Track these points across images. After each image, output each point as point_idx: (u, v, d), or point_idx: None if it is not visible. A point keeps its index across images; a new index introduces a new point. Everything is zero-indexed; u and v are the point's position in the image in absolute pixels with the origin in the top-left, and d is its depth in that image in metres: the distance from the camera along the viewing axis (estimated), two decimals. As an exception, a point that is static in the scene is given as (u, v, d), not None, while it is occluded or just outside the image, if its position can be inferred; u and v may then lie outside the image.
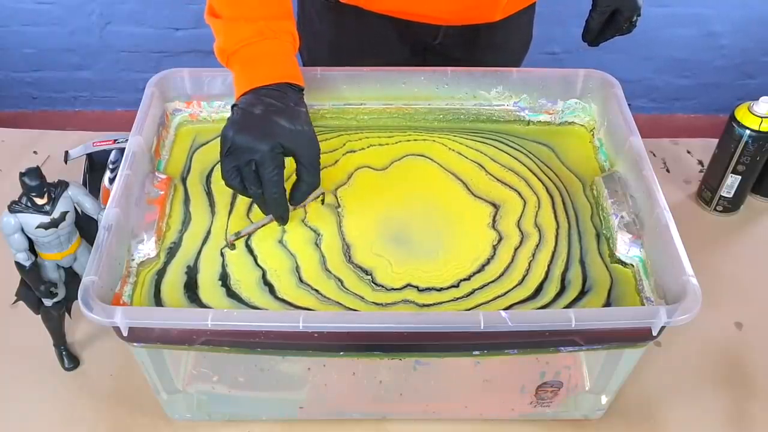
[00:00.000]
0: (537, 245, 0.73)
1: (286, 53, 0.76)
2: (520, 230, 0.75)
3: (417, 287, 0.69)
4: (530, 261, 0.72)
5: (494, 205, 0.77)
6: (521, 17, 1.02)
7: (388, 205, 0.77)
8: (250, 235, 0.73)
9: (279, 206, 0.71)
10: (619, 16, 0.89)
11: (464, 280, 0.70)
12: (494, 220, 0.76)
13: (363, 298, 0.68)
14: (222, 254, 0.71)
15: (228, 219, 0.75)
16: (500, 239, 0.74)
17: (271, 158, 0.68)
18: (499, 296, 0.68)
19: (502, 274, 0.70)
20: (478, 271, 0.71)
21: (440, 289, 0.69)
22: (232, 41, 0.75)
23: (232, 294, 0.68)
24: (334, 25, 1.01)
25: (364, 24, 0.98)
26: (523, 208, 0.77)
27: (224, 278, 0.69)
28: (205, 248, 0.72)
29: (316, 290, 0.68)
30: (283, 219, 0.73)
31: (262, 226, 0.73)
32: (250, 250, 0.72)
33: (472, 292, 0.69)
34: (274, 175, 0.69)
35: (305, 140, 0.71)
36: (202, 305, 0.67)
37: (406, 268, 0.71)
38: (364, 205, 0.77)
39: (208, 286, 0.68)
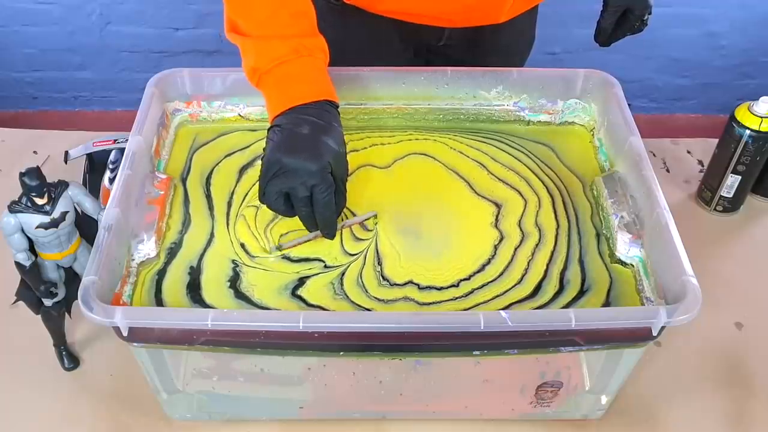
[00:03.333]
0: (537, 245, 0.73)
1: (321, 70, 0.74)
2: (521, 230, 0.75)
3: (418, 285, 0.69)
4: (529, 260, 0.72)
5: (497, 204, 0.77)
6: (525, 18, 1.02)
7: (393, 202, 0.77)
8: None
9: (331, 225, 0.71)
10: (631, 15, 0.89)
11: (464, 279, 0.70)
12: (497, 220, 0.76)
13: (367, 291, 0.69)
14: (234, 262, 0.71)
15: (228, 222, 0.74)
16: (501, 239, 0.74)
17: (323, 179, 0.67)
18: (497, 296, 0.68)
19: (501, 274, 0.70)
20: (479, 271, 0.71)
21: (440, 288, 0.69)
22: (266, 60, 0.73)
23: (241, 296, 0.68)
24: (338, 26, 1.01)
25: (368, 26, 0.98)
26: (524, 208, 0.77)
27: (233, 280, 0.69)
28: (209, 250, 0.72)
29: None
30: (332, 235, 0.72)
31: (307, 241, 0.72)
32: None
33: (471, 292, 0.69)
34: (327, 195, 0.68)
35: (344, 161, 0.71)
36: (205, 306, 0.67)
37: (411, 264, 0.71)
38: (370, 201, 0.77)
39: (212, 287, 0.68)
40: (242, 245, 0.72)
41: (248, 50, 0.75)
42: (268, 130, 0.71)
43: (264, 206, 0.72)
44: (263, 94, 0.75)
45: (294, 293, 0.68)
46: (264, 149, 0.70)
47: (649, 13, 0.90)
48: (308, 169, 0.67)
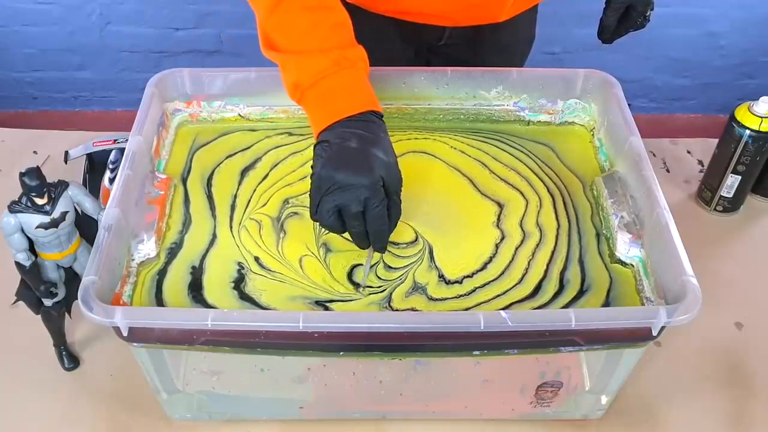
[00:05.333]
0: (537, 244, 0.73)
1: (363, 80, 0.73)
2: (522, 229, 0.75)
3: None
4: (530, 260, 0.72)
5: (499, 204, 0.77)
6: (525, 17, 1.02)
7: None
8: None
9: (384, 239, 0.69)
10: (633, 11, 0.89)
11: (468, 276, 0.70)
12: (499, 219, 0.76)
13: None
14: (240, 265, 0.70)
15: (231, 225, 0.74)
16: (503, 238, 0.74)
17: (376, 192, 0.66)
18: (498, 295, 0.68)
19: (502, 273, 0.70)
20: (481, 269, 0.71)
21: (448, 282, 0.69)
22: (308, 75, 0.71)
23: (245, 297, 0.68)
24: None
25: (369, 26, 0.97)
26: (526, 208, 0.77)
27: (238, 282, 0.69)
28: (212, 251, 0.72)
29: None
30: (384, 249, 0.71)
31: (373, 264, 0.71)
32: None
33: (473, 290, 0.69)
34: (380, 209, 0.67)
35: (396, 171, 0.69)
36: (207, 305, 0.67)
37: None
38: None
39: (215, 287, 0.68)
40: (256, 258, 0.71)
41: (289, 66, 0.73)
42: (315, 146, 0.70)
43: (259, 219, 0.72)
44: (305, 110, 0.73)
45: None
46: (312, 166, 0.69)
47: (651, 9, 0.90)
48: (361, 183, 0.66)
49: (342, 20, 0.74)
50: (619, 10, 0.90)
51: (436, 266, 0.71)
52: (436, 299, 0.68)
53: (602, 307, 0.67)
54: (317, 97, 0.71)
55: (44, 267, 0.72)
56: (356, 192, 0.66)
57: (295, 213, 0.76)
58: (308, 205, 0.72)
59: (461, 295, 0.68)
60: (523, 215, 0.76)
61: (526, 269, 0.71)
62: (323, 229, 0.73)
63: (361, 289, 0.69)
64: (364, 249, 0.71)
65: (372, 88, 0.73)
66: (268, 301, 0.67)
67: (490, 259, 0.72)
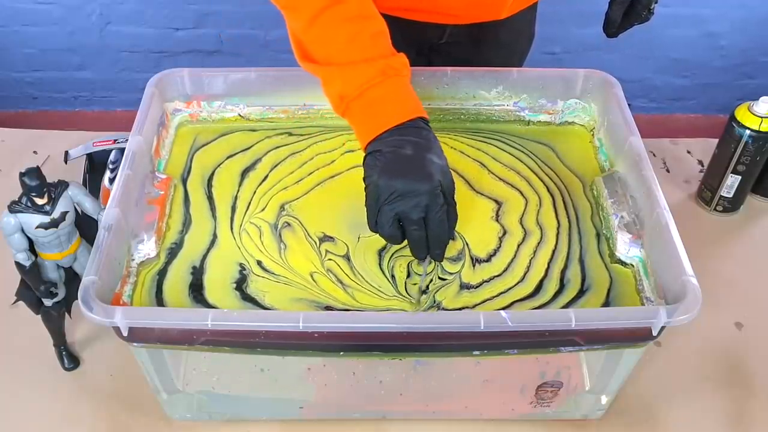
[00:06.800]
0: (538, 243, 0.73)
1: (408, 87, 0.73)
2: (522, 227, 0.75)
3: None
4: (531, 258, 0.72)
5: (497, 201, 0.77)
6: (525, 15, 1.03)
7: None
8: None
9: (444, 244, 0.68)
10: (638, 4, 0.89)
11: (478, 262, 0.71)
12: (497, 215, 0.76)
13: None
14: (242, 266, 0.70)
15: (232, 226, 0.74)
16: (504, 233, 0.74)
17: (436, 198, 0.66)
18: (502, 292, 0.69)
19: (506, 269, 0.71)
20: (486, 261, 0.71)
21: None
22: (354, 86, 0.70)
23: (248, 298, 0.68)
24: None
25: None
26: (525, 206, 0.77)
27: (240, 282, 0.69)
28: (213, 251, 0.72)
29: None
30: (442, 256, 0.69)
31: (430, 272, 0.70)
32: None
33: (481, 284, 0.69)
34: (441, 213, 0.66)
35: (450, 175, 0.69)
36: (208, 305, 0.67)
37: None
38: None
39: (216, 287, 0.68)
40: (258, 262, 0.71)
41: (333, 78, 0.72)
42: (365, 157, 0.69)
43: (259, 225, 0.71)
44: (350, 122, 0.72)
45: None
46: (365, 177, 0.69)
47: (656, 2, 0.90)
48: (421, 190, 0.65)
49: (381, 29, 0.73)
50: (625, 3, 0.90)
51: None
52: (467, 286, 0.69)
53: (602, 307, 0.67)
54: (364, 108, 0.71)
55: (44, 267, 0.72)
56: (417, 199, 0.65)
57: (288, 224, 0.74)
58: (298, 216, 0.72)
59: (470, 287, 0.69)
60: (523, 213, 0.76)
61: (528, 267, 0.71)
62: (327, 252, 0.72)
63: (421, 297, 0.68)
64: (421, 258, 0.69)
65: (416, 95, 0.73)
66: (271, 302, 0.67)
67: (495, 252, 0.72)
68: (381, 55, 0.71)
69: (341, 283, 0.69)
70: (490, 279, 0.70)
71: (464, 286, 0.69)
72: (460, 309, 0.67)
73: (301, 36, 0.73)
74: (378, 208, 0.67)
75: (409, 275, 0.70)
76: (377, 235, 0.69)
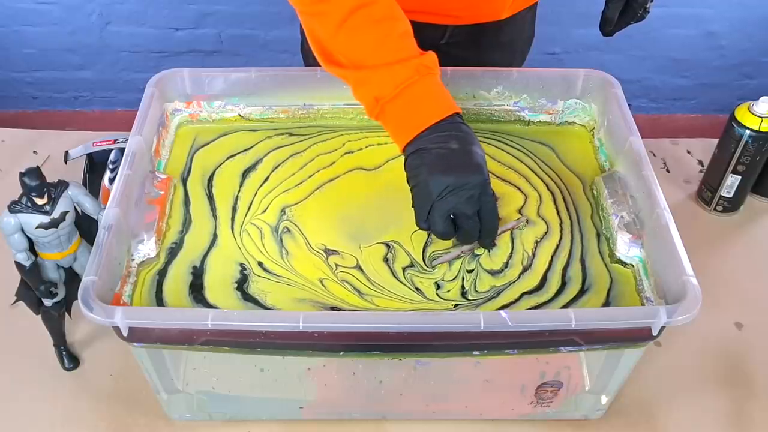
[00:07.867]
0: (544, 234, 0.74)
1: (441, 85, 0.73)
2: (524, 216, 0.76)
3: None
4: (537, 242, 0.73)
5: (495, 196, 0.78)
6: (525, 15, 1.03)
7: (394, 201, 0.76)
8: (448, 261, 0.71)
9: (495, 233, 0.71)
10: (634, 3, 0.90)
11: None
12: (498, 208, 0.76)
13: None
14: (242, 266, 0.70)
15: (233, 227, 0.74)
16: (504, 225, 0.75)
17: (487, 188, 0.67)
18: (511, 282, 0.69)
19: (511, 256, 0.72)
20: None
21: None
22: (389, 87, 0.70)
23: (249, 298, 0.68)
24: None
25: None
26: (525, 202, 0.78)
27: (241, 282, 0.69)
28: (213, 251, 0.71)
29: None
30: (493, 243, 0.71)
31: (460, 256, 0.71)
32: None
33: (502, 269, 0.70)
34: (493, 204, 0.68)
35: (486, 166, 0.70)
36: (208, 305, 0.67)
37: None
38: (366, 201, 0.77)
39: (217, 287, 0.68)
40: (260, 263, 0.71)
41: (365, 81, 0.71)
42: (407, 157, 0.69)
43: (260, 226, 0.71)
44: (385, 124, 0.72)
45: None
46: (411, 177, 0.69)
47: (651, 0, 0.90)
48: (474, 182, 0.66)
49: (408, 29, 0.73)
50: (621, 2, 0.90)
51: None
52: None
53: (602, 307, 0.67)
54: (402, 108, 0.70)
55: (44, 267, 0.72)
56: (470, 191, 0.66)
57: (288, 230, 0.74)
58: (298, 223, 0.72)
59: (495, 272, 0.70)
60: (522, 207, 0.77)
61: (533, 253, 0.72)
62: (337, 266, 0.71)
63: (431, 267, 0.70)
64: (468, 244, 0.71)
65: (449, 92, 0.73)
66: (273, 302, 0.67)
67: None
68: (412, 54, 0.71)
69: (358, 291, 0.69)
70: (501, 270, 0.70)
71: (488, 272, 0.70)
72: (487, 291, 0.69)
73: (329, 41, 0.73)
74: (430, 205, 0.67)
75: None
76: (384, 238, 0.70)
